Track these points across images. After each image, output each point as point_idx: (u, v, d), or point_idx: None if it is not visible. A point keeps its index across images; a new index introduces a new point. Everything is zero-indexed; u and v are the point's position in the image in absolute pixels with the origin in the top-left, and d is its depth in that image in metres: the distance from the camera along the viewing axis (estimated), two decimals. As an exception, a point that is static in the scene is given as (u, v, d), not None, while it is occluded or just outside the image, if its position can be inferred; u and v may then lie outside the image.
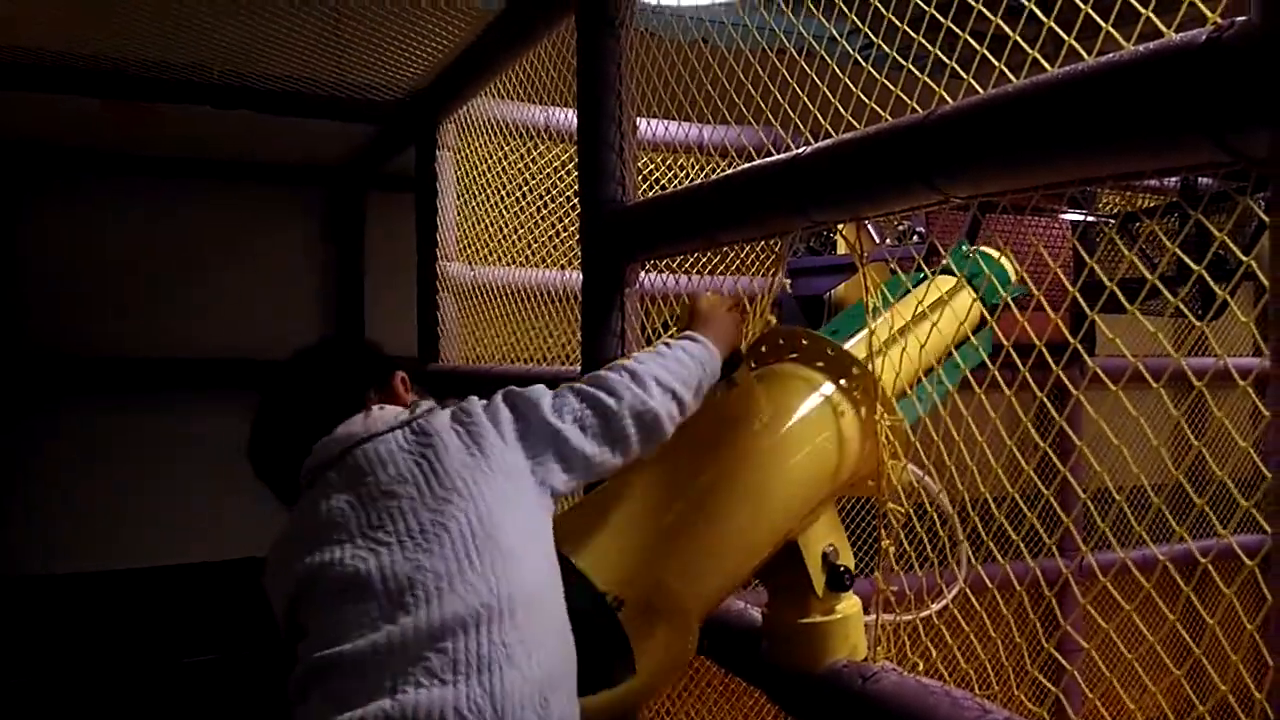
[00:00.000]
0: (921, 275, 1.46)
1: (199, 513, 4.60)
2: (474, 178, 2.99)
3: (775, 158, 1.32)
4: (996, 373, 1.18)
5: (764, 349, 1.50)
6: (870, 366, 1.36)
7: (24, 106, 3.39)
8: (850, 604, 1.35)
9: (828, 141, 1.23)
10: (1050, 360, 1.05)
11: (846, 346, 1.42)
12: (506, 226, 2.83)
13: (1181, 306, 0.91)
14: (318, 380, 1.27)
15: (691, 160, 2.57)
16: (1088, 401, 1.04)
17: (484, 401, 1.19)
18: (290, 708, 1.05)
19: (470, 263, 3.07)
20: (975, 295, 1.47)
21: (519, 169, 2.75)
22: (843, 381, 1.39)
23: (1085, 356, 1.03)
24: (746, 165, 1.40)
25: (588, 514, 1.29)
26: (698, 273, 2.72)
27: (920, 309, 1.40)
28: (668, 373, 1.24)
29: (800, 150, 1.27)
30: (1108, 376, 0.99)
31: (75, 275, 4.50)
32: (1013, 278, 1.53)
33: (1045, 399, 1.09)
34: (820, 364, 1.41)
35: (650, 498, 1.29)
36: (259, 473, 1.25)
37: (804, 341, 1.44)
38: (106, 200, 4.55)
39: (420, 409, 1.17)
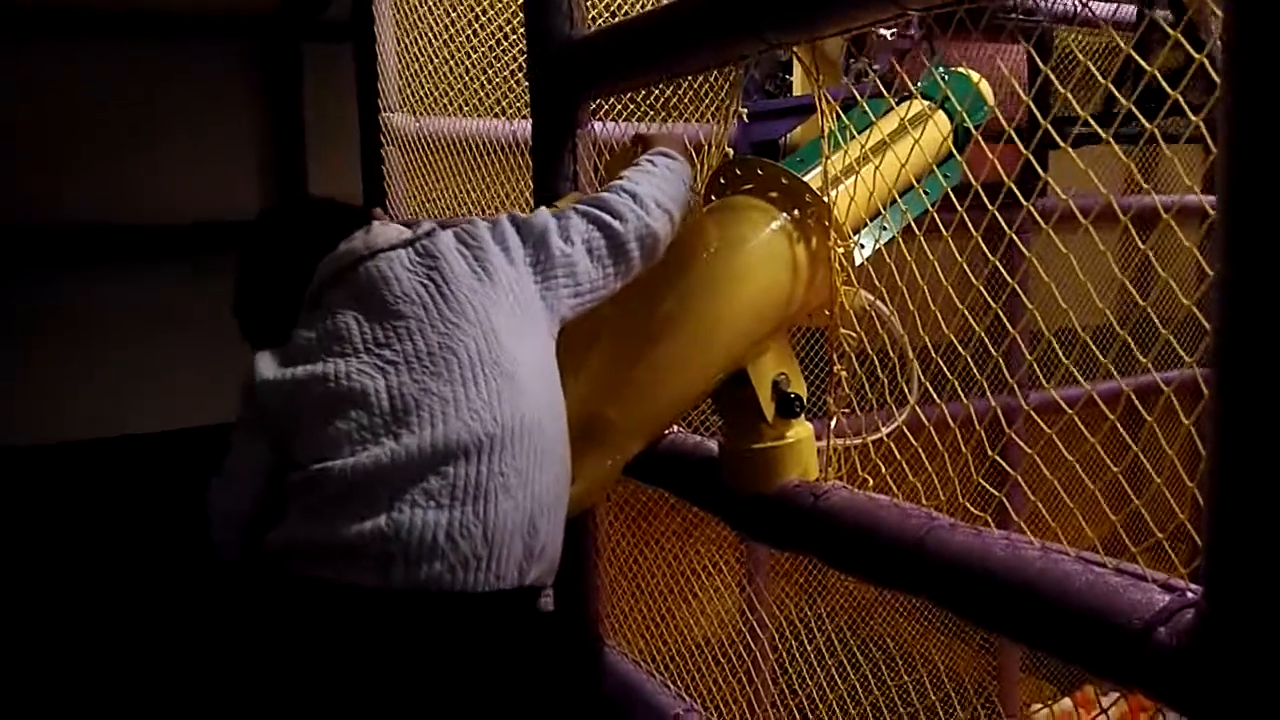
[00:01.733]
0: (884, 107, 1.43)
1: (142, 381, 4.54)
2: (414, 22, 2.86)
3: (730, -25, 1.27)
4: (961, 210, 1.16)
5: (722, 180, 1.48)
6: (826, 196, 1.35)
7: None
8: (802, 429, 1.38)
9: (785, -45, 1.18)
10: (1013, 191, 1.03)
11: (806, 178, 1.40)
12: (452, 74, 2.72)
13: (1148, 124, 0.90)
14: (304, 224, 1.23)
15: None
16: (1044, 238, 1.03)
17: (488, 224, 1.17)
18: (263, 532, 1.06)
19: (415, 114, 2.96)
20: (945, 119, 1.44)
21: (462, 10, 2.63)
22: (796, 211, 1.38)
23: (1051, 183, 1.03)
24: (700, -14, 1.35)
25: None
26: (649, 122, 2.66)
27: (881, 138, 1.38)
28: (663, 194, 1.24)
29: (756, -34, 1.22)
30: (1058, 213, 0.99)
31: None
32: (990, 100, 1.50)
33: (999, 230, 1.08)
34: (774, 194, 1.39)
35: (592, 327, 1.30)
36: (247, 329, 1.19)
37: (759, 171, 1.42)
38: (21, 58, 4.27)
39: (421, 229, 1.15)
